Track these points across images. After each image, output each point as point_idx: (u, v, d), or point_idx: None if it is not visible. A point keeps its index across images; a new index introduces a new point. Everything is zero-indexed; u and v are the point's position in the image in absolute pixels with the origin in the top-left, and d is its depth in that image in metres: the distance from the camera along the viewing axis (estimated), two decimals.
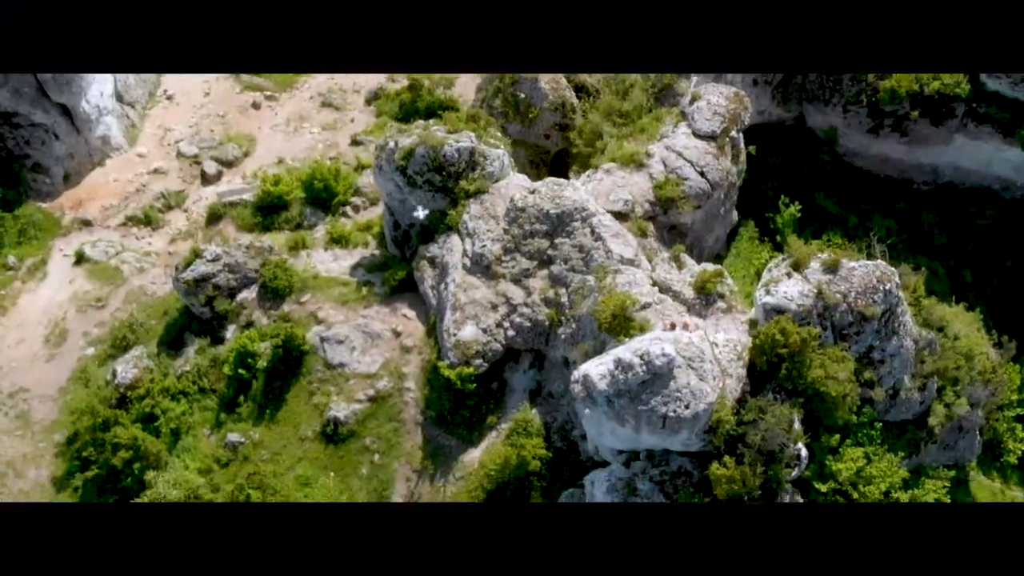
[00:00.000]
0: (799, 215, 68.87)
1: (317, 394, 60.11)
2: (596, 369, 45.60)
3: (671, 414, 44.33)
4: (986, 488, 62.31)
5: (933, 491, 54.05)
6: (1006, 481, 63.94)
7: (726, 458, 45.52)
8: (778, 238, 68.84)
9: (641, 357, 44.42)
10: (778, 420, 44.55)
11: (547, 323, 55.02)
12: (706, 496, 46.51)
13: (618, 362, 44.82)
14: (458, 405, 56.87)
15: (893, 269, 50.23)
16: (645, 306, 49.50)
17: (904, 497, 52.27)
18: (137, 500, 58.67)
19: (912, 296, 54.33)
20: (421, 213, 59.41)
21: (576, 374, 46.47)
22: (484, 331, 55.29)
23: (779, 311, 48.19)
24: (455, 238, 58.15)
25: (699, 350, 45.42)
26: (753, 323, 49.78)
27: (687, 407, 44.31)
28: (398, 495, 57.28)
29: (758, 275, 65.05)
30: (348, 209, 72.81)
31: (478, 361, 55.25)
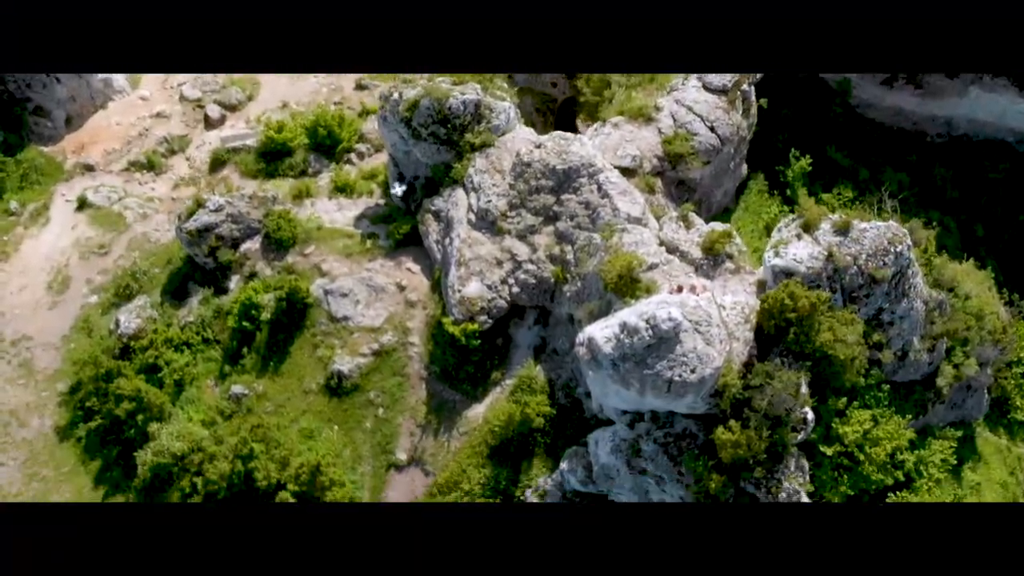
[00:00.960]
0: (809, 168, 67.80)
1: (321, 347, 59.76)
2: (601, 332, 45.05)
3: (676, 379, 43.88)
4: (992, 445, 62.06)
5: (939, 452, 53.90)
6: (1012, 438, 63.67)
7: (732, 422, 45.12)
8: (788, 192, 67.89)
9: (647, 321, 43.83)
10: (785, 386, 44.04)
11: (552, 280, 54.45)
12: (711, 459, 46.26)
13: (624, 326, 44.27)
14: (462, 361, 56.51)
15: (905, 231, 49.33)
16: (652, 267, 48.81)
17: (911, 458, 52.12)
18: (140, 451, 58.66)
19: (923, 255, 53.61)
20: (399, 190, 59.50)
21: (581, 336, 45.95)
22: (489, 287, 54.73)
23: (788, 273, 47.49)
24: (460, 192, 57.32)
25: (706, 314, 44.82)
26: (761, 284, 49.12)
27: (693, 372, 43.84)
28: (402, 449, 57.21)
29: (767, 230, 64.40)
30: (353, 156, 71.94)
31: (482, 318, 54.77)
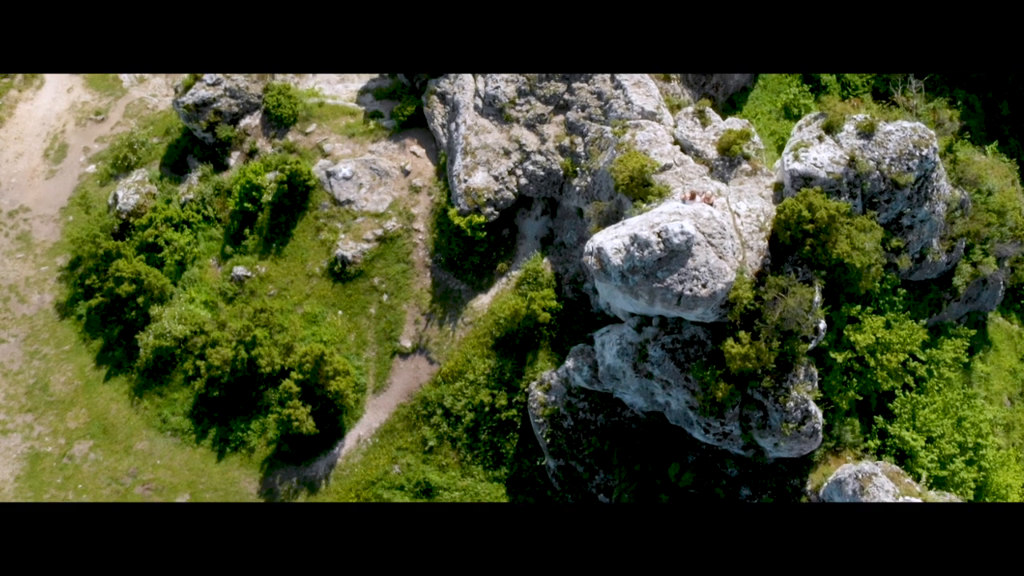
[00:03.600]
0: None
1: (324, 230, 58.44)
2: (611, 243, 43.47)
3: (687, 293, 42.57)
4: (1003, 331, 61.38)
5: (951, 351, 53.04)
6: None
7: (741, 333, 44.01)
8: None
9: (659, 235, 42.20)
10: (799, 302, 42.72)
11: (561, 172, 52.58)
12: (719, 368, 45.46)
13: (634, 239, 42.66)
14: (468, 251, 55.23)
15: (932, 133, 47.00)
16: (665, 168, 46.89)
17: (922, 356, 51.33)
18: (142, 334, 58.12)
19: (948, 154, 51.47)
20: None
21: (590, 246, 44.42)
22: (495, 178, 52.92)
23: (807, 178, 45.54)
24: (467, 75, 54.71)
25: (720, 226, 43.14)
26: (779, 187, 47.24)
27: (704, 286, 42.51)
28: (407, 337, 56.59)
29: (785, 111, 61.91)
30: None
31: (488, 209, 53.18)
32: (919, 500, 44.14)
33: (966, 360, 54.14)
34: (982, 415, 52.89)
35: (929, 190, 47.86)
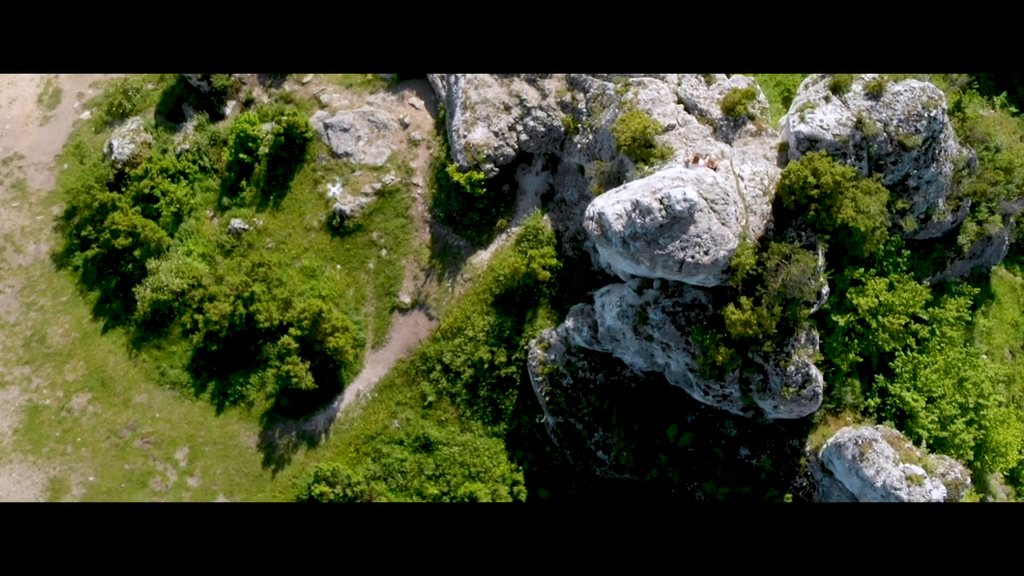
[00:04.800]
0: None
1: (321, 183, 57.67)
2: (612, 208, 42.80)
3: (689, 260, 42.04)
4: (1006, 284, 60.83)
5: (954, 309, 52.57)
6: None
7: (742, 299, 43.53)
8: None
9: (661, 201, 41.52)
10: (802, 270, 42.14)
11: (563, 129, 51.70)
12: (719, 332, 45.07)
13: (636, 205, 41.97)
14: (467, 207, 54.53)
15: (941, 92, 46.05)
16: (668, 128, 46.01)
17: (924, 316, 50.89)
18: (139, 287, 57.66)
19: (954, 103, 50.44)
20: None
21: (591, 210, 43.76)
22: (495, 134, 52.04)
23: (813, 141, 44.70)
24: None
25: (723, 192, 42.41)
26: (783, 147, 46.42)
27: (706, 253, 41.95)
28: (406, 292, 56.15)
29: None
30: None
31: (488, 166, 52.38)
32: (919, 467, 44.04)
33: (969, 319, 53.71)
34: (984, 374, 52.62)
35: (936, 151, 47.06)
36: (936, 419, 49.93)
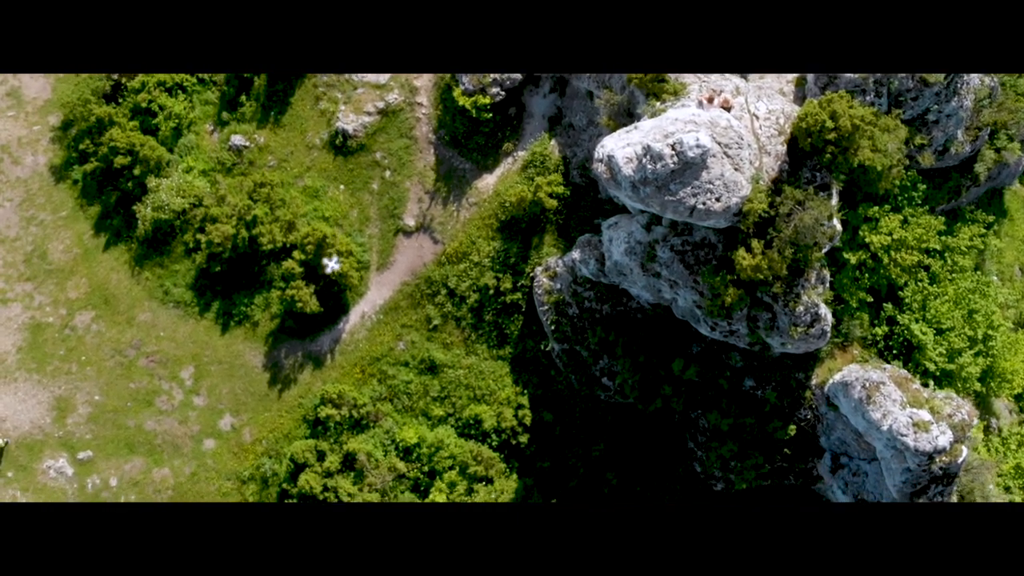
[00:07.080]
0: None
1: (323, 100, 56.11)
2: (622, 151, 41.50)
3: (700, 206, 41.00)
4: (1020, 199, 59.79)
5: (967, 238, 51.68)
6: None
7: (753, 242, 42.60)
8: None
9: (673, 147, 40.19)
10: (816, 218, 41.13)
11: None
12: (729, 273, 44.31)
13: (647, 149, 40.66)
14: (472, 130, 53.19)
15: None
16: None
17: (937, 245, 49.97)
18: (139, 205, 56.67)
19: None
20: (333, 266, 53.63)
21: (600, 152, 42.45)
22: None
23: (832, 77, 43.10)
24: None
25: (737, 135, 41.06)
26: (800, 82, 44.87)
27: (718, 200, 40.88)
28: (410, 215, 55.28)
29: None
30: None
31: (495, 90, 50.90)
32: (926, 411, 43.90)
33: (982, 247, 52.90)
34: (994, 302, 52.07)
35: (959, 84, 45.56)
36: (944, 351, 49.62)
